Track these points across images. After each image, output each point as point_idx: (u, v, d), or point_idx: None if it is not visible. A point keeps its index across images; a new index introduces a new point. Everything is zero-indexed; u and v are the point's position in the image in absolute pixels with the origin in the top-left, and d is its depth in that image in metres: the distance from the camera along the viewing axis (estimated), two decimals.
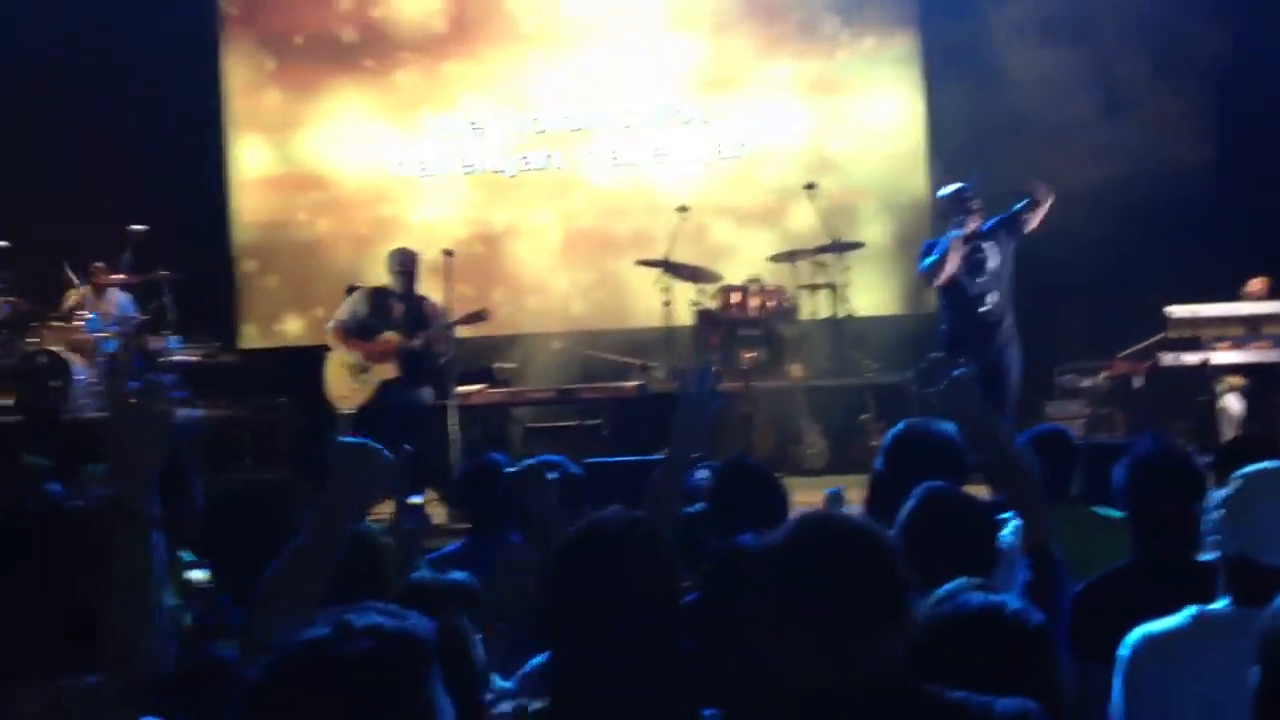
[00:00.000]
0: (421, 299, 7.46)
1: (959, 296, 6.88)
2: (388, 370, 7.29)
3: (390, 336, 7.24)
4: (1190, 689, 2.38)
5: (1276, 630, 1.68)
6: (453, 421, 7.33)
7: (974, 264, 6.87)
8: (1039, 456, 3.48)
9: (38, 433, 7.47)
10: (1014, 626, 2.05)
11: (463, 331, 7.73)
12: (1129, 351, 7.86)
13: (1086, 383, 8.17)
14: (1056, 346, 8.56)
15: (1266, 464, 2.42)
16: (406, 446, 6.83)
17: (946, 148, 9.61)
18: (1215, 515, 2.43)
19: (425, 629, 1.40)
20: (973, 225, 6.84)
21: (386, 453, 2.10)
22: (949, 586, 2.17)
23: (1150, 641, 2.47)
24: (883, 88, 10.05)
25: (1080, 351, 8.55)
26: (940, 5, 9.68)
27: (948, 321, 7.02)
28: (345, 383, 7.36)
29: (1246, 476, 2.39)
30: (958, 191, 6.96)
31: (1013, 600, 2.15)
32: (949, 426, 3.35)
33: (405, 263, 7.46)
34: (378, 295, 7.44)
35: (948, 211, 6.98)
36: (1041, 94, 8.90)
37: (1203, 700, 2.35)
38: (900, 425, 3.54)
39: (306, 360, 8.99)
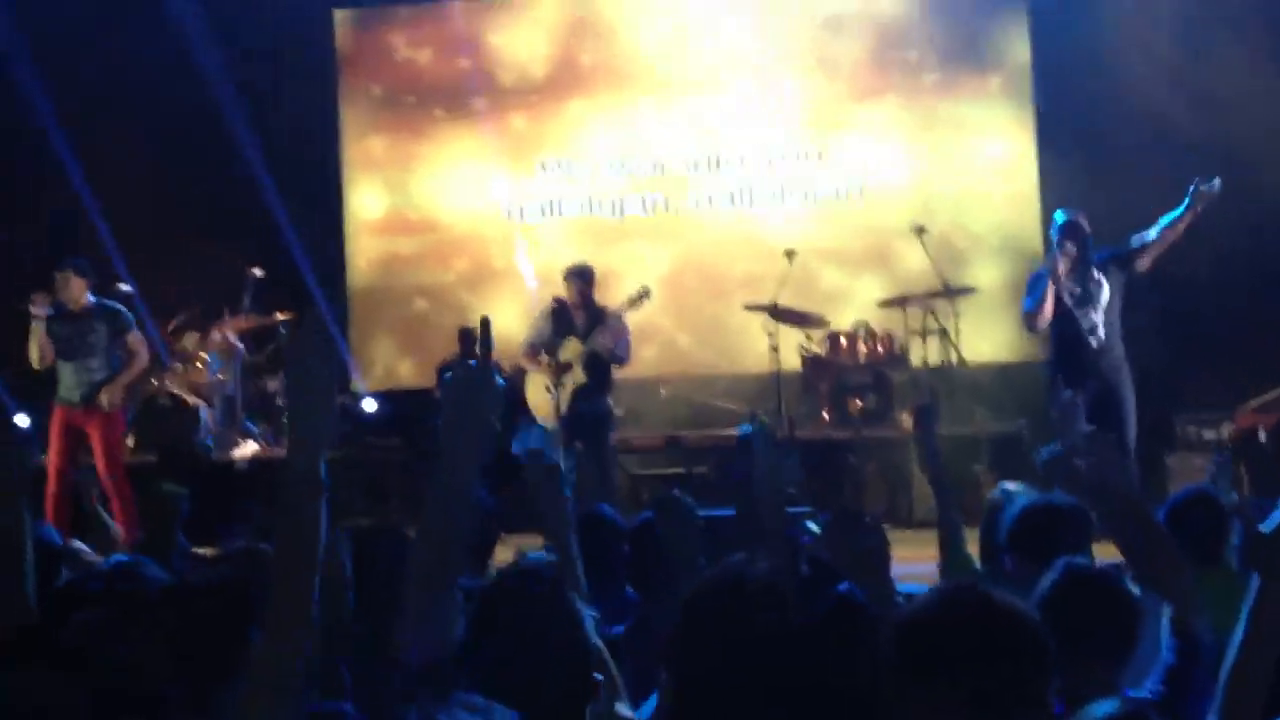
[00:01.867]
0: (601, 307, 7.58)
1: (1067, 328, 6.77)
2: (580, 377, 7.43)
3: (574, 345, 7.39)
4: None
5: None
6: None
7: (1083, 296, 6.75)
8: (1186, 521, 3.38)
9: (176, 472, 7.64)
10: None
11: None
12: (1257, 402, 7.62)
13: (1210, 434, 7.93)
14: (1180, 395, 8.32)
15: None
16: (578, 444, 6.90)
17: (1059, 189, 9.47)
18: None
19: None
20: (1067, 258, 6.73)
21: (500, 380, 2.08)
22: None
23: None
24: (994, 128, 9.96)
25: (1206, 400, 8.31)
26: (1053, 44, 9.58)
27: (1054, 354, 6.91)
28: (545, 400, 7.47)
29: None
30: (1059, 224, 6.88)
31: None
32: (1070, 499, 3.28)
33: (583, 275, 7.60)
34: (558, 309, 7.60)
35: (1051, 244, 6.92)
36: (1159, 133, 8.74)
37: None
38: (1024, 502, 3.46)
39: (419, 402, 9.13)
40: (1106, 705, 2.11)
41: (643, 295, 7.53)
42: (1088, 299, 6.75)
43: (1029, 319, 6.90)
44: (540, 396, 7.45)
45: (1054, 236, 6.90)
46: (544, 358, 7.43)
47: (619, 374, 7.76)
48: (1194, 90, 8.70)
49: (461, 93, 10.55)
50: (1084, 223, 6.85)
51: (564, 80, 10.46)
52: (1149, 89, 8.69)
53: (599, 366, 7.42)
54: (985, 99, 10.00)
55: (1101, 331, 6.72)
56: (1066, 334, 6.79)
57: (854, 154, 10.11)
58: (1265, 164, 8.45)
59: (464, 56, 10.57)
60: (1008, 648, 1.76)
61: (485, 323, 2.24)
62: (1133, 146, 8.84)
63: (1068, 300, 6.74)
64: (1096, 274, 6.77)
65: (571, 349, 7.39)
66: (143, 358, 7.44)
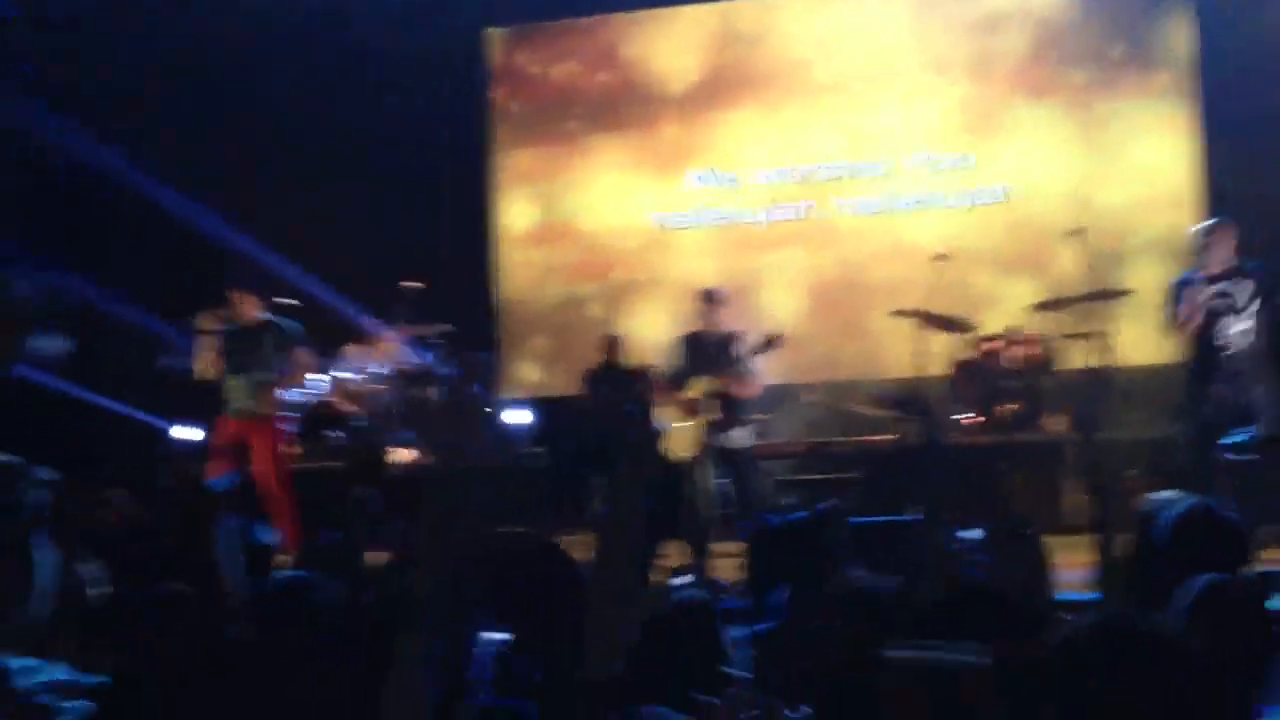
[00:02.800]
0: (732, 335, 7.39)
1: (1204, 335, 6.63)
2: (715, 410, 7.29)
3: (703, 383, 7.25)
4: None
5: None
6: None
7: (1219, 307, 6.58)
8: None
9: (363, 475, 7.96)
10: None
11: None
12: None
13: None
14: None
15: None
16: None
17: (1222, 190, 9.24)
18: None
19: None
20: (1215, 266, 6.56)
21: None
22: None
23: None
24: (1151, 129, 9.73)
25: None
26: (1220, 41, 9.31)
27: (1194, 362, 6.76)
28: (681, 433, 7.40)
29: None
30: (1201, 229, 6.72)
31: None
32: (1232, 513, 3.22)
33: (710, 298, 7.45)
34: (689, 339, 7.46)
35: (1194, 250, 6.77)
36: None
37: None
38: (1184, 505, 3.40)
39: (563, 411, 9.31)
40: None
41: (773, 342, 7.31)
42: (1228, 308, 6.59)
43: (1171, 323, 6.78)
44: (677, 431, 7.38)
45: (1198, 242, 6.76)
46: (681, 391, 7.30)
47: (765, 378, 7.72)
48: None
49: (610, 105, 10.71)
50: (1229, 229, 6.68)
51: (711, 89, 10.53)
52: None
53: (731, 400, 7.26)
54: (1145, 98, 9.77)
55: (1238, 341, 6.55)
56: (1204, 341, 6.65)
57: (1009, 155, 9.98)
58: None
59: (612, 69, 10.73)
60: (1161, 683, 1.77)
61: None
62: None
63: (1210, 308, 6.59)
64: (1243, 282, 6.60)
65: (700, 386, 7.24)
66: (307, 368, 7.76)
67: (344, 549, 3.92)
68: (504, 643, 3.33)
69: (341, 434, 8.94)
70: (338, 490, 7.47)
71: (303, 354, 7.69)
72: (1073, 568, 6.21)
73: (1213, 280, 6.60)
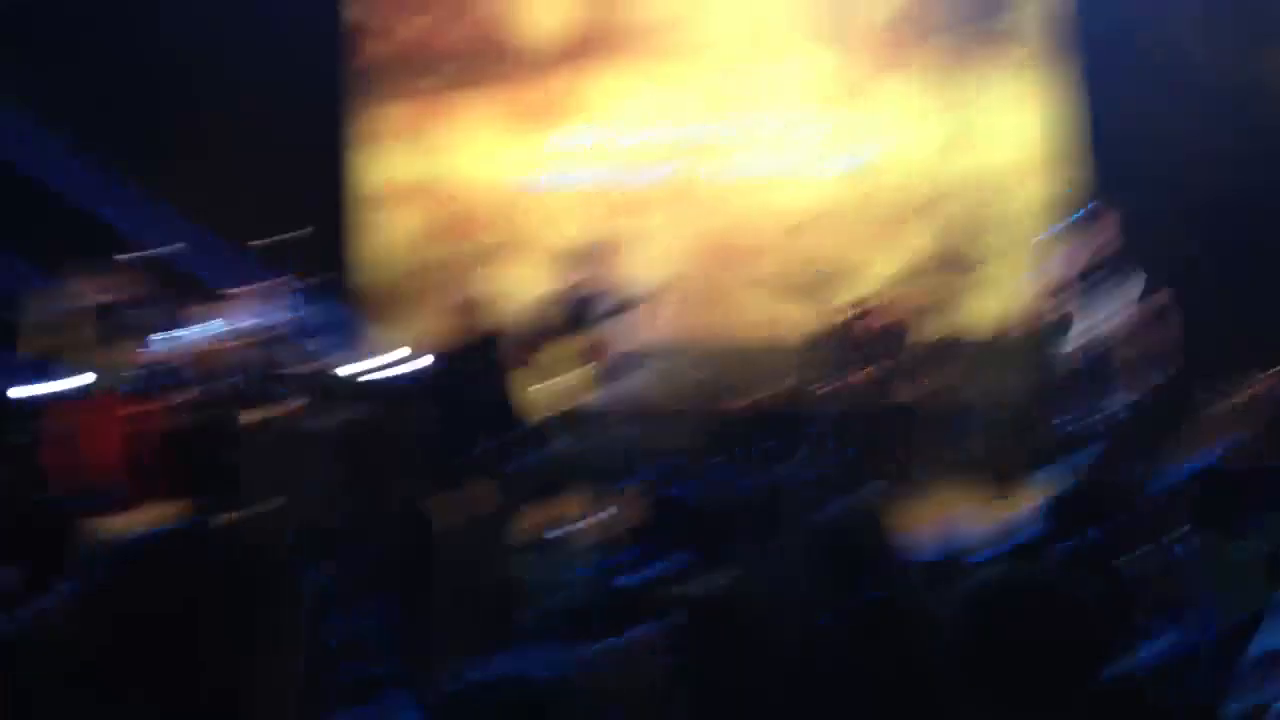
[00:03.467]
0: (596, 296, 7.34)
1: (1053, 334, 6.91)
2: (580, 370, 7.24)
3: (579, 338, 7.20)
4: None
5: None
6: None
7: (1073, 304, 6.89)
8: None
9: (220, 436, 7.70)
10: None
11: None
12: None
13: (1230, 400, 7.92)
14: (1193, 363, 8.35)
15: None
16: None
17: (1078, 160, 9.51)
18: None
19: None
20: (1074, 262, 6.84)
21: None
22: None
23: None
24: (1010, 100, 9.96)
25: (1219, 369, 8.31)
26: (1077, 13, 9.54)
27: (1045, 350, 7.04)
28: (547, 393, 7.31)
29: None
30: (1063, 225, 6.99)
31: None
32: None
33: (575, 261, 7.39)
34: (554, 299, 7.39)
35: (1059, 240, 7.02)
36: (1171, 101, 8.75)
37: None
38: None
39: (428, 371, 9.19)
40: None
41: (637, 303, 7.32)
42: (1080, 307, 6.88)
43: (1029, 323, 7.06)
44: (547, 390, 7.36)
45: (1060, 235, 7.02)
46: (550, 348, 7.27)
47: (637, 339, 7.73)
48: (1223, 61, 8.70)
49: (474, 63, 10.55)
50: (1091, 226, 6.93)
51: (577, 48, 10.45)
52: (1172, 60, 8.69)
53: (604, 358, 7.26)
54: (1005, 67, 9.99)
55: (1084, 337, 6.84)
56: (1049, 337, 6.92)
57: (872, 123, 10.12)
58: None
59: (476, 25, 10.57)
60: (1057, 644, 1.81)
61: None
62: (1150, 113, 8.85)
63: (1070, 289, 6.86)
64: (1100, 281, 6.89)
65: (577, 341, 7.23)
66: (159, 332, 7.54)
67: (202, 513, 3.79)
68: (369, 607, 3.29)
69: (200, 393, 8.66)
70: (194, 453, 7.25)
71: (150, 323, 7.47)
72: (926, 525, 6.39)
73: (1083, 272, 6.85)
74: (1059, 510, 3.34)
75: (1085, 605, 1.85)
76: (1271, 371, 7.17)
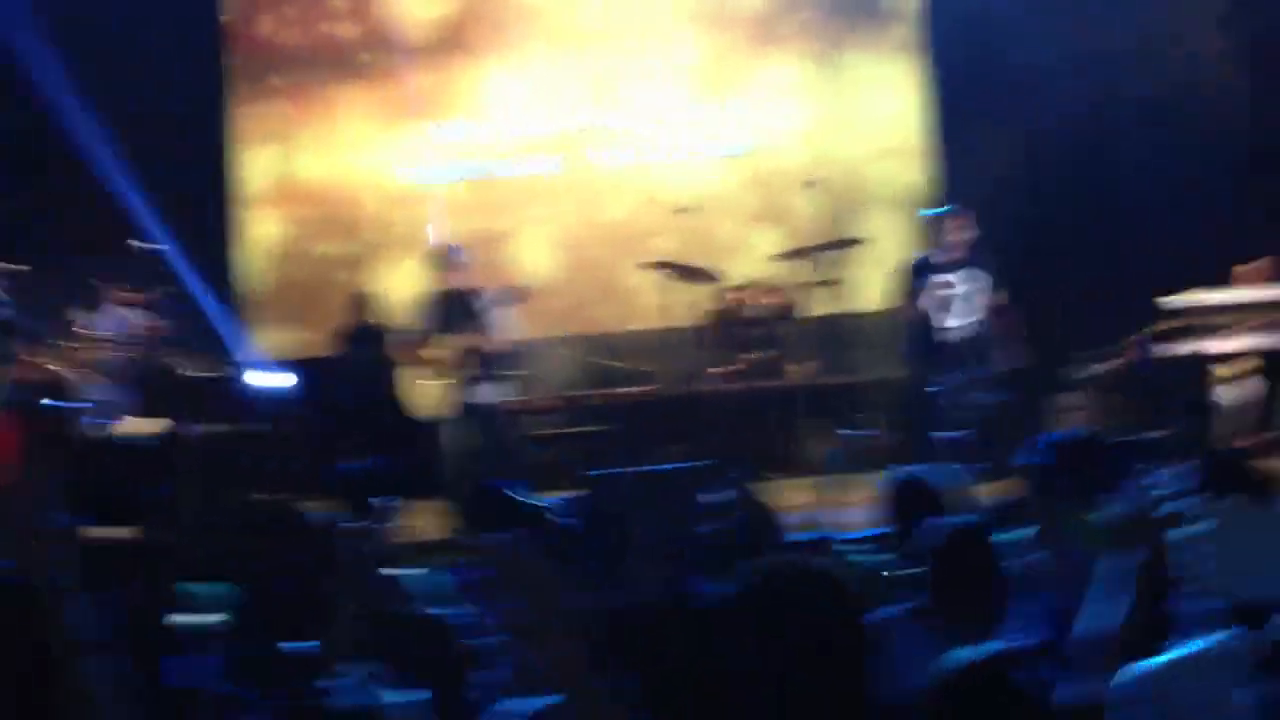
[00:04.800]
0: (476, 291, 7.31)
1: (924, 327, 7.08)
2: (463, 368, 7.18)
3: (453, 339, 7.13)
4: None
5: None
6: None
7: (943, 299, 7.05)
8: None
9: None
10: None
11: None
12: (1126, 341, 7.86)
13: (1088, 372, 8.14)
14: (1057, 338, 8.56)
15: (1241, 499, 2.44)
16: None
17: (952, 141, 9.68)
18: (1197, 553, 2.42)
19: None
20: (946, 253, 7.01)
21: None
22: None
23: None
24: (884, 82, 10.08)
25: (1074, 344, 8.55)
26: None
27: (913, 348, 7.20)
28: (430, 391, 7.26)
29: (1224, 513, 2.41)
30: (933, 215, 7.16)
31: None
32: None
33: (449, 257, 7.36)
34: (434, 297, 7.35)
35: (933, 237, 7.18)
36: (1041, 84, 8.96)
37: None
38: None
39: (313, 372, 9.07)
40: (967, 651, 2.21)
41: (519, 296, 7.33)
42: (950, 299, 7.08)
43: (903, 310, 7.22)
44: (429, 387, 7.31)
45: (931, 227, 7.20)
46: (429, 351, 7.22)
47: (517, 335, 7.71)
48: (1080, 45, 8.91)
49: (349, 55, 10.41)
50: (960, 219, 7.11)
51: (453, 40, 10.34)
52: (1042, 42, 8.88)
53: (479, 358, 7.23)
54: (879, 52, 10.10)
55: (956, 333, 7.02)
56: (923, 331, 7.10)
57: (751, 107, 10.17)
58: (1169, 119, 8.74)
59: (352, 17, 10.42)
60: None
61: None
62: (1027, 101, 9.05)
63: (934, 295, 7.06)
64: (972, 272, 7.07)
65: (447, 344, 7.18)
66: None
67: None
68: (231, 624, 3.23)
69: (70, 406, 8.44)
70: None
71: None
72: (804, 509, 6.49)
73: (943, 268, 7.01)
74: (917, 495, 3.40)
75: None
76: (1126, 343, 7.43)
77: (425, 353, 7.22)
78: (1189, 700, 2.28)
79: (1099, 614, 2.57)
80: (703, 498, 4.44)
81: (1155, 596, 2.55)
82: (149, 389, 8.66)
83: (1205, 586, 2.38)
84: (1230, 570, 2.34)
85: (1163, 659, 2.38)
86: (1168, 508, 2.61)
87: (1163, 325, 7.16)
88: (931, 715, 1.95)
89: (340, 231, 10.43)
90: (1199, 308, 7.25)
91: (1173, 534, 2.50)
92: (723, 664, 1.87)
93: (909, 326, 7.36)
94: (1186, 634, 2.40)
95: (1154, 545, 2.47)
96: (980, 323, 7.10)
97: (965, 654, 2.19)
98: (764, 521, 4.12)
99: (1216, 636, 2.34)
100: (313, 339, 9.88)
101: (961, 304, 7.09)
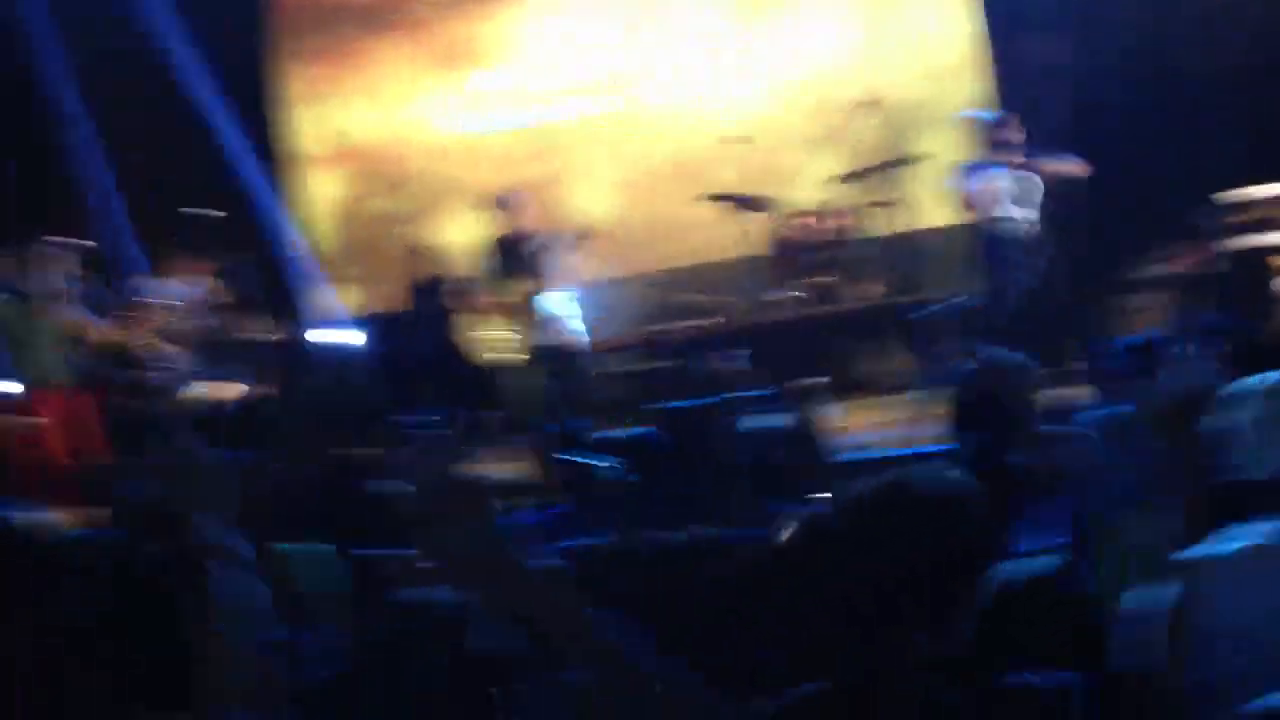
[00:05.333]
0: (539, 236, 7.27)
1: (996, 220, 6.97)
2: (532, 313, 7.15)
3: (519, 285, 7.11)
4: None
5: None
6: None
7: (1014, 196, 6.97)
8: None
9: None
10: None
11: None
12: (1193, 235, 7.72)
13: (1156, 270, 7.99)
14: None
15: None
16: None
17: (1004, 54, 9.47)
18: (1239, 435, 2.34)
19: None
20: (1005, 157, 6.94)
21: None
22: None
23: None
24: (926, 5, 9.85)
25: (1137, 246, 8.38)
26: None
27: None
28: (502, 339, 7.24)
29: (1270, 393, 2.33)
30: (987, 124, 7.05)
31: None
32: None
33: (506, 204, 7.32)
34: (498, 244, 7.32)
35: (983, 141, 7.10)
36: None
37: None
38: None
39: (386, 327, 9.12)
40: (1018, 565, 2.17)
41: (582, 238, 7.26)
42: (1018, 197, 7.00)
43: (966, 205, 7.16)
44: (499, 335, 7.29)
45: (986, 133, 7.13)
46: (491, 297, 7.19)
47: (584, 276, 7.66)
48: None
49: (390, 7, 10.38)
50: (1012, 124, 7.03)
51: None
52: None
53: (548, 300, 7.17)
54: None
55: (1024, 225, 6.95)
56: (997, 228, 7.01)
57: (797, 33, 10.00)
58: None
59: None
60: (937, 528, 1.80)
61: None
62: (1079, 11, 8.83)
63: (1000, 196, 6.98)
64: (1029, 178, 6.98)
65: (518, 289, 7.14)
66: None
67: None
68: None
69: (142, 375, 8.55)
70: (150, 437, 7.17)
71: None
72: (885, 427, 6.44)
73: (996, 170, 6.97)
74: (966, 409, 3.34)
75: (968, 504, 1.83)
76: (1190, 243, 7.30)
77: (489, 300, 7.22)
78: (1239, 597, 2.21)
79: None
80: (757, 423, 4.39)
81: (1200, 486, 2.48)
82: (220, 355, 8.76)
83: (1248, 472, 2.30)
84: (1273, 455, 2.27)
85: (1215, 549, 2.30)
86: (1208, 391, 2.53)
87: (1224, 220, 7.05)
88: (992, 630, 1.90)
89: (394, 187, 10.44)
90: (1259, 200, 7.16)
91: (1215, 420, 2.41)
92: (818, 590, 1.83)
93: (968, 231, 7.29)
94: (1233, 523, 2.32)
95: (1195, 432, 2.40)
96: (1038, 221, 7.04)
97: (1014, 568, 2.15)
98: (817, 444, 4.09)
99: (1264, 527, 2.26)
100: (376, 295, 9.93)
101: (1018, 200, 7.02)
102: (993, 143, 7.17)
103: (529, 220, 7.34)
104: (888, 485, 1.84)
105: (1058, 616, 2.08)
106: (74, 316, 7.37)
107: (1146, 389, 3.06)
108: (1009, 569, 2.14)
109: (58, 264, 7.31)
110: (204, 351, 8.58)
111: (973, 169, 7.20)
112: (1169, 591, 2.25)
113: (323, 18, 10.46)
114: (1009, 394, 3.39)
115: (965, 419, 3.26)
